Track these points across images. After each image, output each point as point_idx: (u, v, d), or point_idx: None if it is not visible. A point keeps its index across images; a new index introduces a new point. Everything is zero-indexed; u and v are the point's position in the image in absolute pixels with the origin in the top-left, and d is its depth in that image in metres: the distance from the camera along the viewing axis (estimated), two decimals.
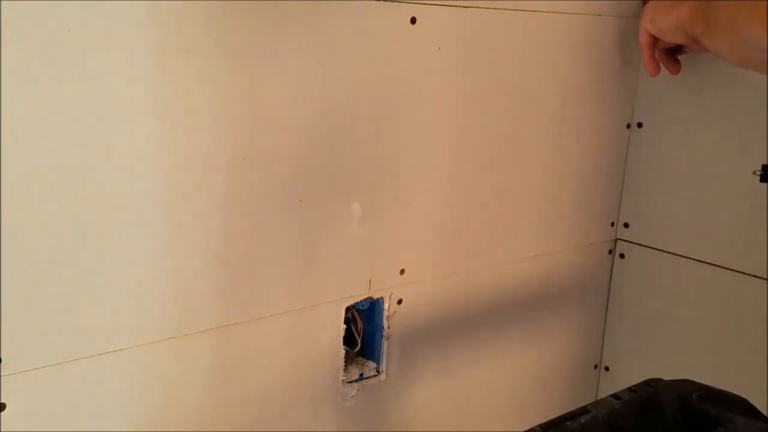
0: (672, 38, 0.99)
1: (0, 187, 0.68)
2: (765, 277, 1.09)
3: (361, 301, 0.99)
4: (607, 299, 1.32)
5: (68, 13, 0.68)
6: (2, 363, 0.72)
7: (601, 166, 1.23)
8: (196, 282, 0.83)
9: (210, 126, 0.80)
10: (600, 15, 1.13)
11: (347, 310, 0.98)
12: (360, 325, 1.03)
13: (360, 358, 1.04)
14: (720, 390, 0.70)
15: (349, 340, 1.01)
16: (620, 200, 1.27)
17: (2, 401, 0.73)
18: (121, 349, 0.79)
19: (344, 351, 0.99)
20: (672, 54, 1.08)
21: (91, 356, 0.77)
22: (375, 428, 1.05)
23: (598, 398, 0.69)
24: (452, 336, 1.11)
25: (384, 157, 0.95)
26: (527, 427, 0.63)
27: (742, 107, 1.10)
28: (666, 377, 0.73)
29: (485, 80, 1.03)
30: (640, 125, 1.23)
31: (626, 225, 1.28)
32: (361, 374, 1.02)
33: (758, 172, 0.95)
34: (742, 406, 0.68)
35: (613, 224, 1.28)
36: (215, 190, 0.82)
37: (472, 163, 1.05)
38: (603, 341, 1.34)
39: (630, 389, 0.70)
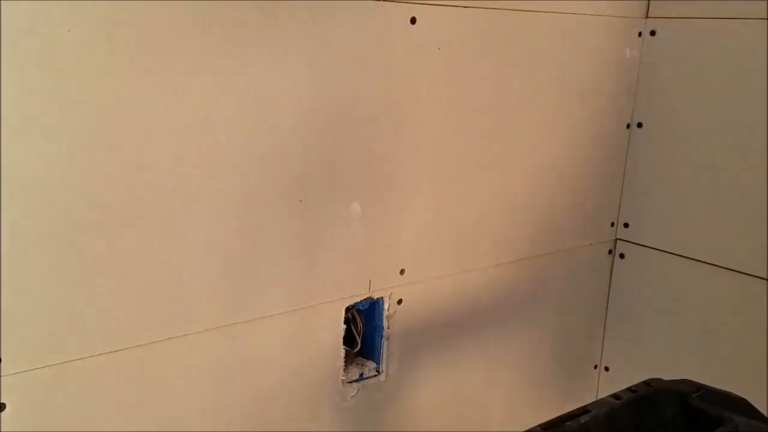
0: None
1: (0, 191, 0.68)
2: (765, 277, 1.09)
3: (361, 301, 0.99)
4: (607, 299, 1.32)
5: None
6: (2, 363, 0.72)
7: (601, 166, 1.23)
8: (196, 282, 0.83)
9: (209, 126, 0.80)
10: (600, 15, 1.13)
11: (347, 310, 0.98)
12: (360, 325, 1.03)
13: (360, 358, 1.04)
14: (720, 390, 0.70)
15: (349, 340, 1.01)
16: (620, 200, 1.27)
17: (2, 401, 0.73)
18: (120, 350, 0.79)
19: (344, 351, 0.99)
20: None
21: (90, 356, 0.77)
22: (375, 428, 1.05)
23: (598, 398, 0.69)
24: (452, 336, 1.11)
25: (384, 158, 0.95)
26: (527, 427, 0.63)
27: (743, 108, 1.10)
28: (666, 377, 0.73)
29: (485, 80, 1.03)
30: (640, 125, 1.23)
31: (626, 225, 1.28)
32: (361, 374, 1.02)
33: None
34: (742, 406, 0.68)
35: (613, 224, 1.28)
36: (215, 190, 0.82)
37: (472, 163, 1.05)
38: (603, 341, 1.34)
39: (630, 389, 0.70)
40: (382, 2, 0.89)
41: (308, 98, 0.86)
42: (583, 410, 0.66)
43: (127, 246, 0.77)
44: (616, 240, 1.29)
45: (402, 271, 1.01)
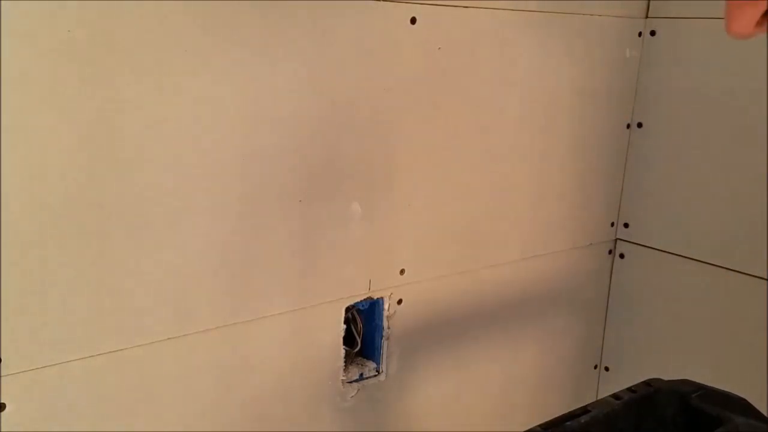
0: None
1: (0, 191, 0.68)
2: (765, 277, 1.09)
3: (361, 301, 0.99)
4: (607, 299, 1.32)
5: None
6: (2, 363, 0.72)
7: (601, 166, 1.23)
8: (196, 282, 0.83)
9: (209, 126, 0.80)
10: (600, 15, 1.13)
11: (347, 310, 0.98)
12: (360, 325, 1.03)
13: (360, 358, 1.04)
14: (720, 390, 0.70)
15: (349, 340, 1.01)
16: (620, 200, 1.27)
17: (2, 401, 0.73)
18: (120, 350, 0.79)
19: (344, 351, 0.99)
20: None
21: (90, 356, 0.77)
22: (375, 428, 1.05)
23: (598, 398, 0.69)
24: (452, 336, 1.11)
25: (384, 158, 0.95)
26: (527, 427, 0.62)
27: (742, 108, 1.10)
28: (666, 377, 0.72)
29: (485, 80, 1.03)
30: (640, 125, 1.23)
31: (626, 225, 1.28)
32: (361, 374, 1.02)
33: None
34: (742, 406, 0.68)
35: (613, 224, 1.28)
36: (215, 190, 0.82)
37: (472, 163, 1.05)
38: (603, 341, 1.34)
39: (630, 389, 0.70)
40: (382, 2, 0.89)
41: (308, 98, 0.86)
42: (583, 410, 0.66)
43: (126, 246, 0.77)
44: (616, 240, 1.29)
45: (402, 271, 1.01)
